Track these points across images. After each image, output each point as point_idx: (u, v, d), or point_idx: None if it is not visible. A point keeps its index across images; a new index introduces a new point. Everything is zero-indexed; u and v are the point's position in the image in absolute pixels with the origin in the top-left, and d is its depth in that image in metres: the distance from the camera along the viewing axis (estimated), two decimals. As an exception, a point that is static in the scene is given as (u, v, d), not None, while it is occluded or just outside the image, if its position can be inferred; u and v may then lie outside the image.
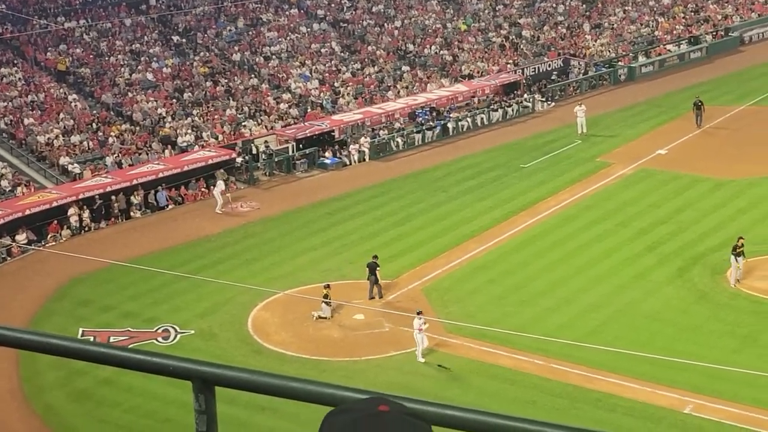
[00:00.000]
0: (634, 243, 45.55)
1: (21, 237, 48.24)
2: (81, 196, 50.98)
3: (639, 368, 34.74)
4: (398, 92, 69.15)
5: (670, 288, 41.10)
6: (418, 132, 63.41)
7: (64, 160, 55.18)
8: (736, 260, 40.67)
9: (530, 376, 34.78)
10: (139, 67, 66.85)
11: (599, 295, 40.55)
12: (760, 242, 43.15)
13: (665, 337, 36.98)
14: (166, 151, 57.66)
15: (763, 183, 52.08)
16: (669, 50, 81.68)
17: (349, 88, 68.84)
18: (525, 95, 70.38)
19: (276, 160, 59.15)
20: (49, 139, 57.17)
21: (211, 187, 54.10)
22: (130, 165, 55.63)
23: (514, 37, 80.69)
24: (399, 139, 62.39)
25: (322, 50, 73.81)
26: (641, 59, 79.05)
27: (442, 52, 76.32)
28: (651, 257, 44.01)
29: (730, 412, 32.03)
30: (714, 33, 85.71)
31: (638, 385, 33.81)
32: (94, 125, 59.16)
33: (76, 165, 54.87)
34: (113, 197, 51.92)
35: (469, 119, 66.06)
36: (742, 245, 40.59)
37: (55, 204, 50.11)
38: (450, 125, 64.98)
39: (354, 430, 2.68)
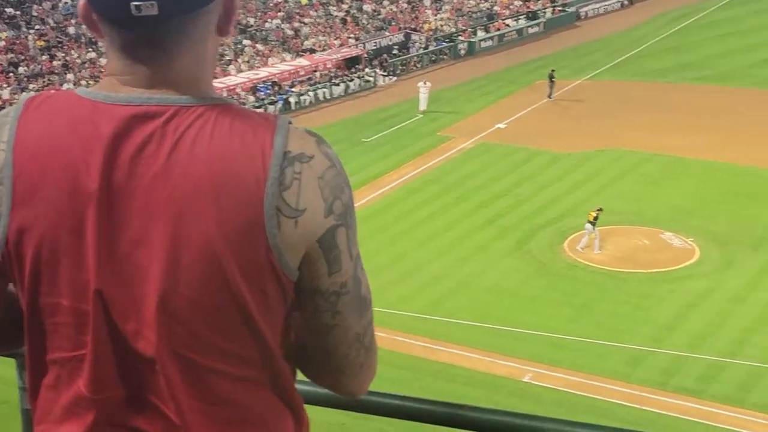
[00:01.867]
0: (474, 216, 46.24)
1: None
2: None
3: (480, 339, 35.36)
4: (239, 67, 68.61)
5: (510, 260, 41.88)
6: (259, 107, 63.00)
7: None
8: (593, 229, 42.10)
9: (374, 349, 35.00)
10: (-29, 40, 64.87)
11: (441, 267, 41.07)
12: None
13: (505, 308, 37.70)
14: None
15: (598, 156, 53.40)
16: (508, 25, 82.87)
17: (189, 62, 67.91)
18: (367, 70, 70.62)
19: (115, 134, 58.06)
20: None
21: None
22: (-38, 140, 53.93)
23: (355, 11, 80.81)
24: (241, 114, 61.84)
25: (162, 23, 72.64)
26: (481, 34, 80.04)
27: (283, 25, 75.97)
28: (491, 230, 44.75)
29: (567, 379, 32.89)
30: (552, 8, 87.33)
31: (479, 355, 34.40)
32: (-77, 99, 57.26)
33: None
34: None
35: (311, 94, 65.97)
36: (596, 217, 41.91)
37: None
38: (292, 100, 64.81)
39: None
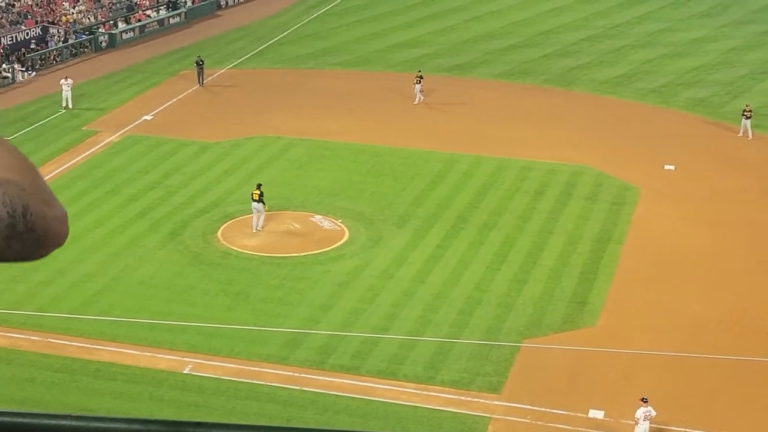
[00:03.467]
0: (125, 210, 45.70)
1: None
2: None
3: (137, 334, 35.12)
4: None
5: (163, 252, 41.71)
6: None
7: None
8: (261, 207, 42.87)
9: (26, 354, 34.09)
10: None
11: (93, 264, 40.38)
12: (246, 201, 44.64)
13: (161, 301, 37.60)
14: None
15: (246, 144, 53.95)
16: (149, 16, 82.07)
17: None
18: (4, 65, 68.11)
19: None
20: None
21: None
22: None
23: (-13, 4, 77.71)
24: None
25: None
26: (122, 26, 78.84)
27: None
28: (143, 223, 44.37)
29: (227, 368, 33.23)
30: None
31: (137, 351, 34.16)
32: None
33: None
34: None
35: (-56, 92, 63.04)
36: (261, 193, 42.56)
37: None
38: (-76, 99, 61.68)
39: None
